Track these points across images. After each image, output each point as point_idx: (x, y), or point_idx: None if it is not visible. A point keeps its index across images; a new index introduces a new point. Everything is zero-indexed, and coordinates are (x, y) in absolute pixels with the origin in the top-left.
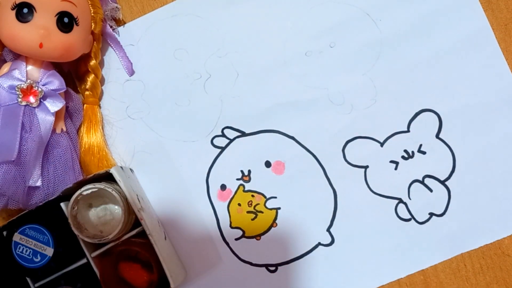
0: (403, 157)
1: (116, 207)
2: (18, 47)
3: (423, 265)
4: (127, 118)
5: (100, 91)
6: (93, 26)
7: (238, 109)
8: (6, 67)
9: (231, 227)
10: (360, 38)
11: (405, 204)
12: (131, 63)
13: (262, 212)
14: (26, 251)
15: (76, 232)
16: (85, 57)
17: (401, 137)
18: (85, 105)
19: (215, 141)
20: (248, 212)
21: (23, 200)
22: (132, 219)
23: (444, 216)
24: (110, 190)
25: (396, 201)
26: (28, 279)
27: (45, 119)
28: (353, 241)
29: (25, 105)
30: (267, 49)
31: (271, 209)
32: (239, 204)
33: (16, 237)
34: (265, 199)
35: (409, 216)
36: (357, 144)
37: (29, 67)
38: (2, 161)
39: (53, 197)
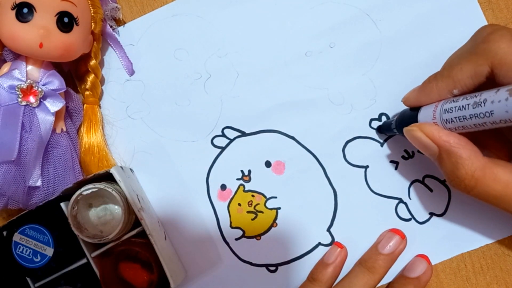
0: (403, 157)
1: (116, 207)
2: (18, 47)
3: None
4: (127, 118)
5: (100, 91)
6: (93, 26)
7: (238, 109)
8: (6, 67)
9: (231, 227)
10: (360, 38)
11: (405, 204)
12: (131, 63)
13: (262, 212)
14: (26, 251)
15: (76, 232)
16: (85, 57)
17: (401, 137)
18: (85, 105)
19: (215, 141)
20: (248, 212)
21: (23, 200)
22: (132, 219)
23: (444, 216)
24: (110, 190)
25: (396, 201)
26: (28, 279)
27: (45, 119)
28: (353, 241)
29: (25, 105)
30: (267, 49)
31: (271, 209)
32: (239, 204)
33: (16, 237)
34: (265, 199)
35: (409, 216)
36: (357, 144)
37: (29, 67)
38: (2, 161)
39: (53, 197)
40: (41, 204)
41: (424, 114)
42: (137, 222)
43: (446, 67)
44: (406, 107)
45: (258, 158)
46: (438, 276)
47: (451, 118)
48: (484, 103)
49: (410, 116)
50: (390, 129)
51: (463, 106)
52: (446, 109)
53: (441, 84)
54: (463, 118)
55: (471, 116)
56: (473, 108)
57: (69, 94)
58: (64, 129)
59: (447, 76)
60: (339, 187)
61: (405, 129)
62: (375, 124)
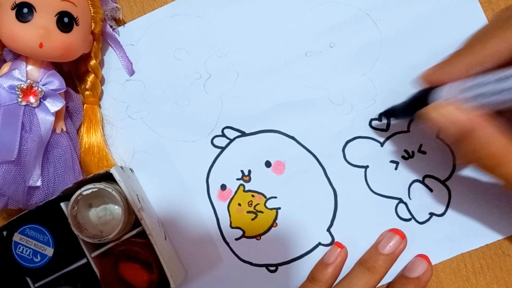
0: (403, 157)
1: (116, 207)
2: (18, 47)
3: None
4: (127, 118)
5: (100, 91)
6: (93, 26)
7: (238, 109)
8: (6, 67)
9: (231, 227)
10: (360, 38)
11: (405, 204)
12: (131, 63)
13: (262, 212)
14: (26, 251)
15: (76, 232)
16: (85, 57)
17: (401, 137)
18: (85, 105)
19: (215, 141)
20: (248, 212)
21: (23, 200)
22: (132, 219)
23: (444, 216)
24: (110, 190)
25: (396, 201)
26: (28, 279)
27: (45, 119)
28: (353, 241)
29: (25, 105)
30: (267, 49)
31: (271, 209)
32: (239, 204)
33: (16, 237)
34: (265, 199)
35: (409, 216)
36: (357, 144)
37: (29, 67)
38: (2, 161)
39: (53, 197)
40: (41, 204)
41: (443, 93)
42: (137, 222)
43: (469, 45)
44: (417, 90)
45: (258, 158)
46: (438, 276)
47: (472, 96)
48: (508, 79)
49: (425, 96)
50: (400, 113)
51: (484, 83)
52: (466, 87)
53: (464, 61)
54: (485, 96)
55: (493, 93)
56: (496, 84)
57: (69, 94)
58: (64, 129)
59: (470, 53)
60: (339, 187)
61: (420, 112)
62: (375, 124)
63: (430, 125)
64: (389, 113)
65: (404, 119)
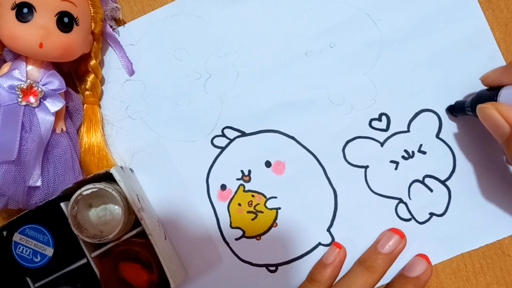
0: (403, 157)
1: (116, 207)
2: (18, 47)
3: None
4: (127, 118)
5: (100, 91)
6: (93, 26)
7: (238, 109)
8: (6, 67)
9: (231, 227)
10: (360, 38)
11: (405, 204)
12: (131, 63)
13: (262, 212)
14: (26, 251)
15: (76, 232)
16: (85, 57)
17: (401, 137)
18: (85, 105)
19: (215, 141)
20: (248, 212)
21: (23, 200)
22: (132, 219)
23: (444, 216)
24: (110, 190)
25: (396, 201)
26: (28, 279)
27: (45, 119)
28: (353, 241)
29: (25, 105)
30: (267, 49)
31: (271, 209)
32: (239, 204)
33: (16, 237)
34: (265, 199)
35: (409, 216)
36: (357, 144)
37: (29, 67)
38: (2, 161)
39: (53, 197)
40: (41, 204)
41: (505, 96)
42: (137, 222)
43: None
44: (483, 88)
45: (258, 158)
46: (438, 276)
47: None
48: None
49: (488, 96)
50: (463, 109)
51: None
52: None
53: None
54: None
55: None
56: None
57: (69, 94)
58: (64, 129)
59: None
60: (339, 187)
61: (479, 106)
62: (376, 124)
63: (483, 120)
64: (452, 109)
65: (466, 115)
